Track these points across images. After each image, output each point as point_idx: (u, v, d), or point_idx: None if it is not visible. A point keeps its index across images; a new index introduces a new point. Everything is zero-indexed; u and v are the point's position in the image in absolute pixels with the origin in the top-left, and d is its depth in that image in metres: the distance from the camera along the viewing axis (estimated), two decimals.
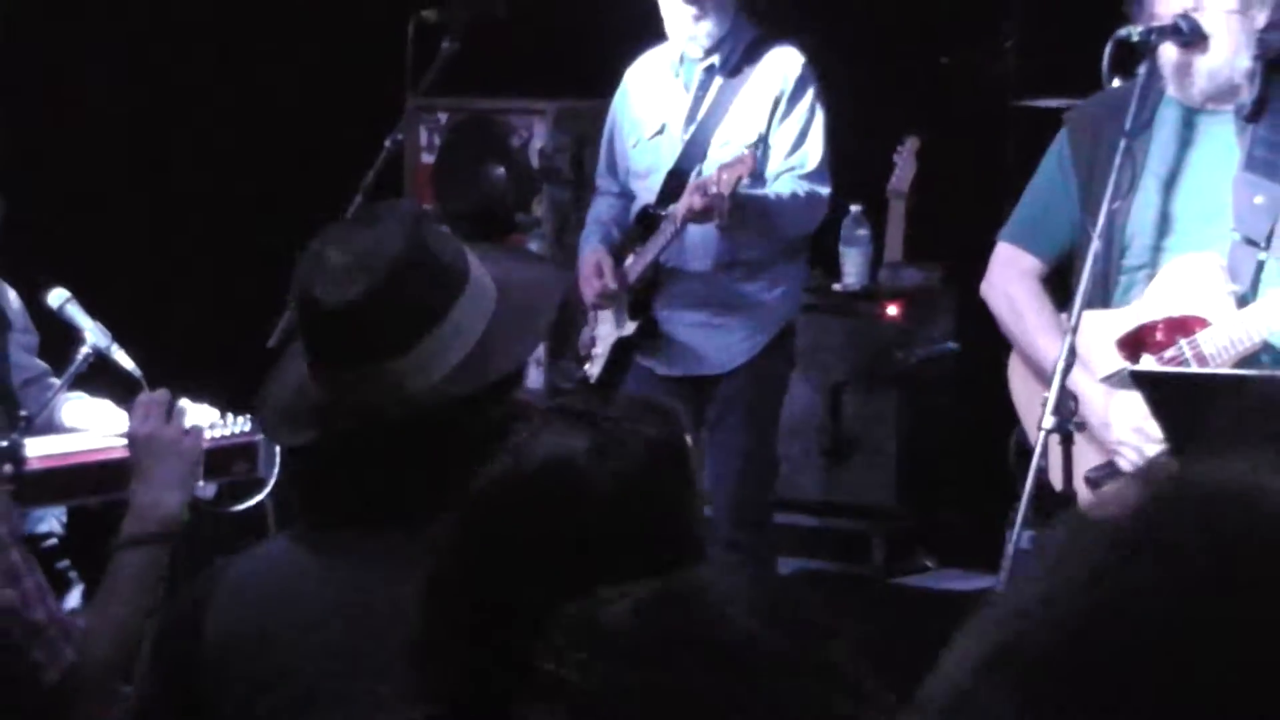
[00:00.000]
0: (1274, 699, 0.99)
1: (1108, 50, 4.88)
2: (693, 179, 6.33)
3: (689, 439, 2.62)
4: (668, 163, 6.48)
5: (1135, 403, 4.74)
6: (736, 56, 6.43)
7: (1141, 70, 4.91)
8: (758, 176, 6.24)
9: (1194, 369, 4.81)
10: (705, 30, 6.33)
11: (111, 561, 3.62)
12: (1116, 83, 5.05)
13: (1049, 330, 5.12)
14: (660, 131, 6.53)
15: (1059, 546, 1.08)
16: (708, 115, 6.43)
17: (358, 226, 3.07)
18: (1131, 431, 4.86)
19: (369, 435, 2.97)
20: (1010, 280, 5.26)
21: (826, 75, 6.68)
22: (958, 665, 1.07)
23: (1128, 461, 4.93)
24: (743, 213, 6.15)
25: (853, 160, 7.48)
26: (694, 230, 6.28)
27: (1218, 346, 4.85)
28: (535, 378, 7.18)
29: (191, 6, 7.96)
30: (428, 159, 8.24)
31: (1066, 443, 4.79)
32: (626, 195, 6.67)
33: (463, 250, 3.00)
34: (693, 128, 6.45)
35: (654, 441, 2.50)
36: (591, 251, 6.55)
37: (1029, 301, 5.20)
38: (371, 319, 2.84)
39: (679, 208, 6.21)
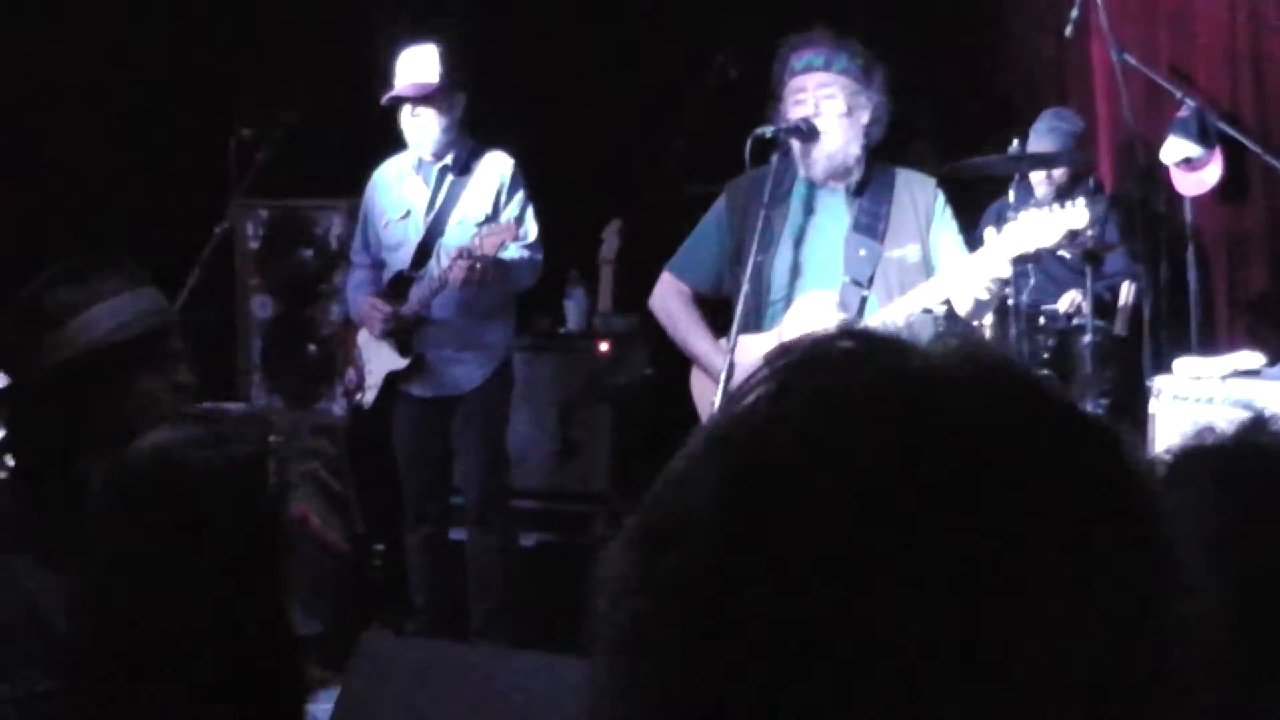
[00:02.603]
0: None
1: (748, 144, 5.01)
2: (439, 248, 6.35)
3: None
4: (415, 238, 6.43)
5: None
6: (463, 159, 6.41)
7: (774, 158, 5.07)
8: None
9: None
10: (436, 137, 6.34)
11: None
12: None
13: (695, 329, 5.30)
14: (406, 215, 6.47)
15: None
16: (444, 202, 6.41)
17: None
18: None
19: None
20: (669, 298, 5.43)
21: (547, 173, 6.71)
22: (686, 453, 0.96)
23: None
24: (495, 270, 6.16)
25: (572, 236, 7.65)
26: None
27: None
28: (339, 408, 7.13)
29: (60, 107, 7.66)
30: (253, 245, 8.21)
31: None
32: (377, 266, 6.57)
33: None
34: (433, 212, 6.42)
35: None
36: (366, 299, 6.48)
37: (681, 311, 5.37)
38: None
39: (446, 272, 6.15)
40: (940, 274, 5.03)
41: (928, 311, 4.98)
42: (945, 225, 5.22)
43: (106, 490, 2.35)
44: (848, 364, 0.95)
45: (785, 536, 0.89)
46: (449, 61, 6.35)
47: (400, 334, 6.43)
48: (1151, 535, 0.94)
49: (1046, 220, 4.94)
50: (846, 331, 0.98)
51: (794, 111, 5.12)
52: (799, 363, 0.96)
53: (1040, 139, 6.95)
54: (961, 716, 0.87)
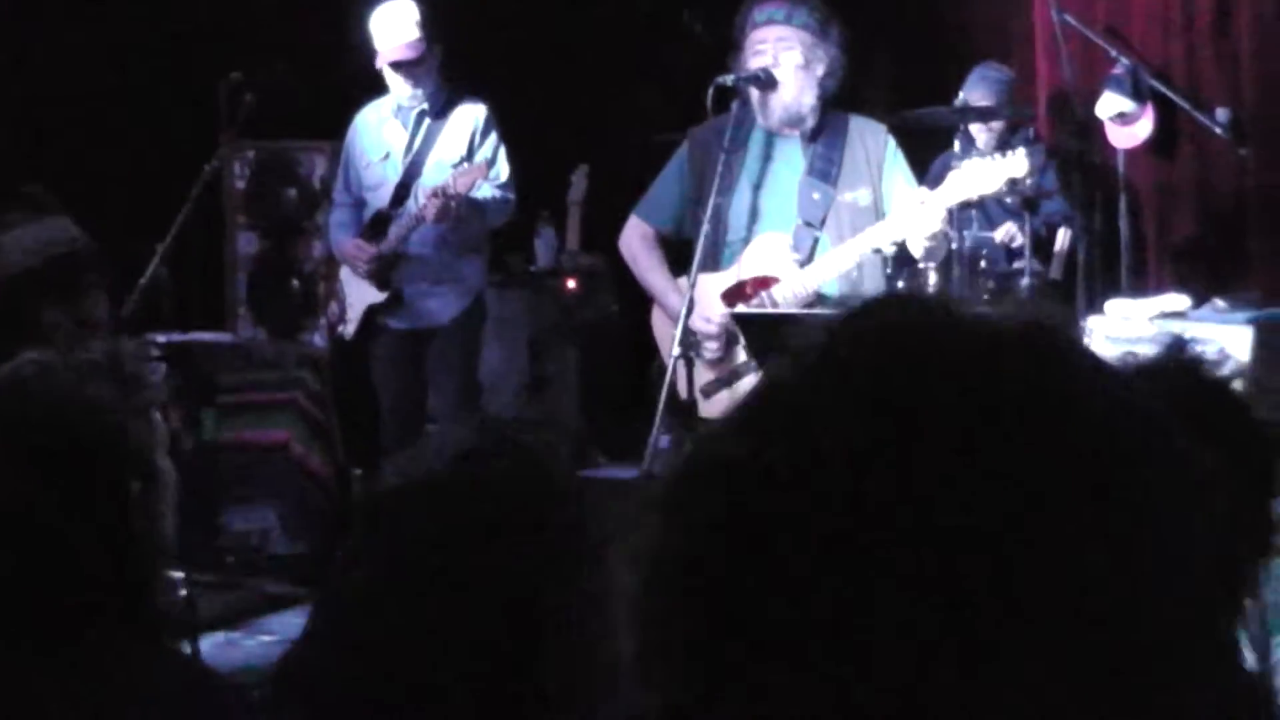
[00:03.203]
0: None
1: (710, 92, 5.01)
2: (417, 188, 6.33)
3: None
4: (394, 179, 6.41)
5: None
6: (439, 105, 6.39)
7: (734, 106, 5.07)
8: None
9: (770, 310, 4.98)
10: (416, 90, 6.32)
11: None
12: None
13: (656, 269, 5.32)
14: (386, 157, 6.44)
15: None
16: (422, 145, 6.39)
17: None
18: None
19: None
20: (634, 240, 5.42)
21: (519, 120, 6.68)
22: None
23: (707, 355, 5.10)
24: (468, 207, 6.17)
25: (543, 179, 7.65)
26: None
27: (785, 296, 5.01)
28: (321, 340, 7.12)
29: (62, 55, 7.63)
30: (240, 184, 8.19)
31: (689, 365, 4.95)
32: (359, 205, 6.54)
33: None
34: (411, 154, 6.40)
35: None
36: (350, 241, 6.45)
37: (645, 253, 5.37)
38: None
39: (421, 208, 6.15)
40: (891, 217, 5.03)
41: (877, 252, 5.00)
42: (898, 169, 5.23)
43: None
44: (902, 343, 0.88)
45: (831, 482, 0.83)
46: (424, 15, 6.31)
47: (381, 271, 6.42)
48: (1199, 498, 0.87)
49: (989, 168, 4.97)
50: (900, 300, 0.93)
51: (754, 62, 5.12)
52: (858, 334, 0.90)
53: (973, 91, 6.98)
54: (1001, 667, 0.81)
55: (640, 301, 5.56)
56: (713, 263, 5.12)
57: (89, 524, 2.06)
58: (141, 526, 2.15)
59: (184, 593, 5.71)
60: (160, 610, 2.20)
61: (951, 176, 5.01)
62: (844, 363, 0.87)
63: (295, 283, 7.99)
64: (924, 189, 5.06)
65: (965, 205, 5.18)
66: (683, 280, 5.12)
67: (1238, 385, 1.75)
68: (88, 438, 2.11)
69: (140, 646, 2.10)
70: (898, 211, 5.04)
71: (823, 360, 0.88)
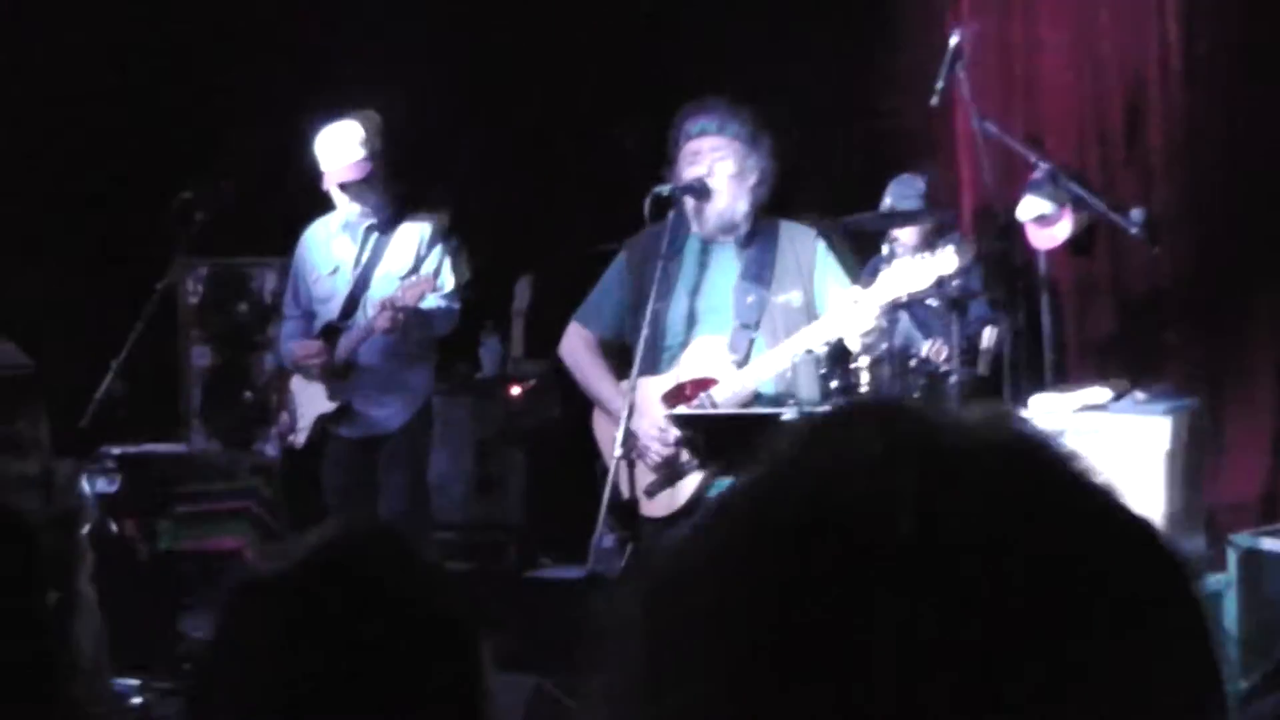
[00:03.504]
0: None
1: (647, 202, 5.09)
2: (366, 301, 6.34)
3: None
4: (344, 291, 6.43)
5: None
6: (386, 219, 6.41)
7: (670, 215, 5.14)
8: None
9: (710, 411, 5.02)
10: (363, 208, 6.35)
11: None
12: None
13: (598, 373, 5.34)
14: (335, 271, 6.47)
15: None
16: (370, 258, 6.42)
17: None
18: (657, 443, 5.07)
19: None
20: (575, 345, 5.45)
21: (464, 233, 6.73)
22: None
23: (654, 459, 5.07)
24: (416, 317, 6.18)
25: (489, 291, 7.71)
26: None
27: (724, 396, 5.04)
28: (273, 450, 7.08)
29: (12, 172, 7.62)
30: (193, 299, 8.21)
31: (630, 467, 5.01)
32: (309, 317, 6.53)
33: None
34: (360, 268, 6.43)
35: None
36: (299, 345, 6.45)
37: (587, 358, 5.39)
38: None
39: (372, 321, 6.17)
40: (826, 317, 5.07)
41: (810, 352, 5.04)
42: (829, 271, 5.27)
43: None
44: (871, 436, 0.84)
45: (797, 595, 0.79)
46: (370, 134, 6.35)
47: (333, 376, 6.42)
48: (1194, 625, 0.85)
49: (920, 265, 5.03)
50: (876, 407, 0.90)
51: (689, 172, 5.18)
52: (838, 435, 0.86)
53: (894, 198, 7.12)
54: None
55: (583, 406, 5.56)
56: (652, 366, 5.15)
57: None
58: (52, 640, 2.10)
59: (139, 700, 5.68)
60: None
61: (883, 274, 5.06)
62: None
63: (248, 394, 7.99)
64: (857, 288, 5.10)
65: (895, 307, 5.23)
66: (623, 384, 5.14)
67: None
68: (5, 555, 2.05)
69: None
70: (832, 311, 5.07)
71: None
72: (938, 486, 0.80)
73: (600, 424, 5.37)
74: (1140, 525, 0.86)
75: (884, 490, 0.80)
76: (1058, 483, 0.85)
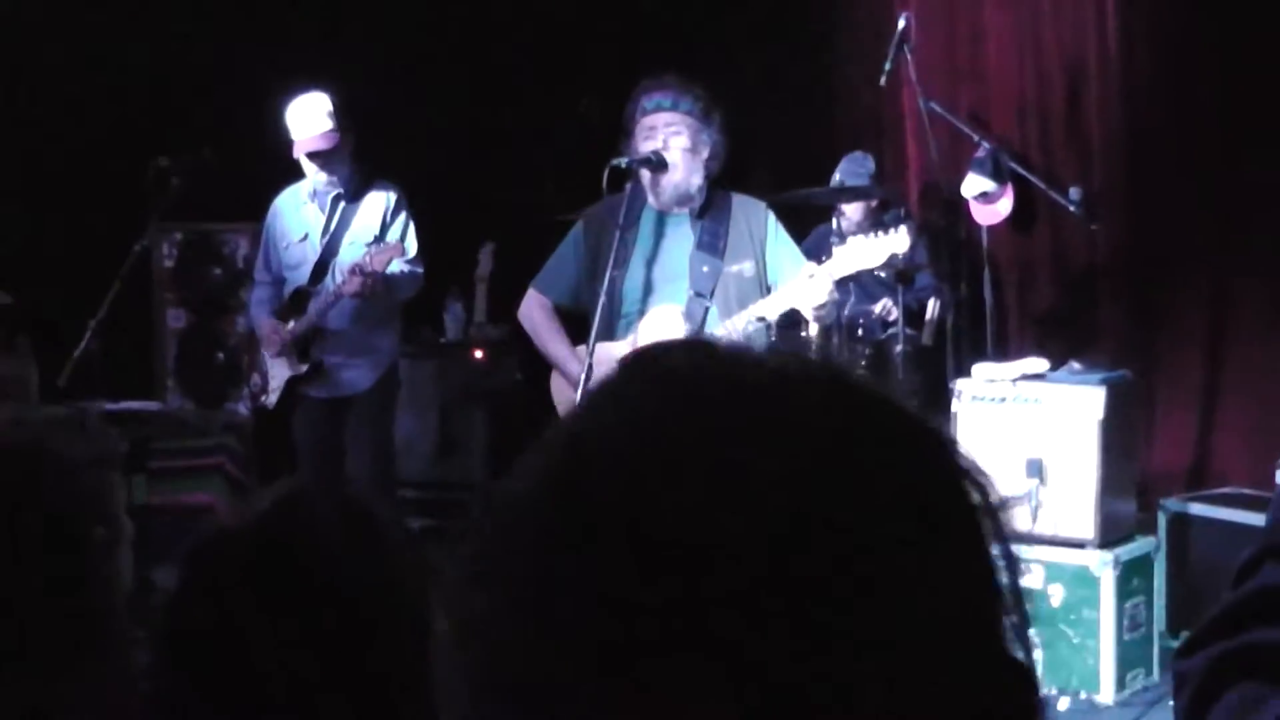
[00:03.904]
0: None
1: (606, 174, 5.07)
2: (335, 266, 6.37)
3: None
4: (312, 258, 6.45)
5: None
6: (353, 189, 6.44)
7: (628, 186, 5.15)
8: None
9: None
10: (330, 177, 6.37)
11: None
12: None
13: (555, 338, 5.34)
14: (305, 238, 6.48)
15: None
16: (338, 226, 6.44)
17: None
18: None
19: None
20: (533, 310, 5.46)
21: (429, 200, 6.72)
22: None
23: None
24: (383, 282, 6.20)
25: (451, 256, 7.70)
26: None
27: None
28: (245, 409, 7.09)
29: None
30: (168, 263, 8.20)
31: None
32: (278, 283, 6.57)
33: None
34: (328, 235, 6.45)
35: None
36: (267, 321, 6.50)
37: (543, 322, 5.40)
38: None
39: (341, 286, 6.20)
40: (782, 289, 5.10)
41: (762, 320, 5.08)
42: (780, 243, 5.29)
43: None
44: (686, 368, 0.86)
45: (614, 525, 0.80)
46: (338, 106, 6.35)
47: (297, 347, 6.45)
48: (981, 528, 0.86)
49: (875, 244, 5.05)
50: (691, 341, 0.90)
51: (644, 146, 5.18)
52: (642, 365, 0.88)
53: (844, 176, 7.19)
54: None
55: (543, 369, 5.57)
56: (609, 333, 5.14)
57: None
58: (109, 571, 2.13)
59: None
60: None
61: (839, 251, 5.07)
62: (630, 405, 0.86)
63: (220, 355, 7.99)
64: (813, 264, 5.11)
65: (844, 279, 5.27)
66: (580, 348, 5.15)
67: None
68: (59, 491, 2.08)
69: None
70: (788, 284, 5.09)
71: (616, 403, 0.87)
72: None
73: (558, 386, 5.39)
74: (924, 444, 0.86)
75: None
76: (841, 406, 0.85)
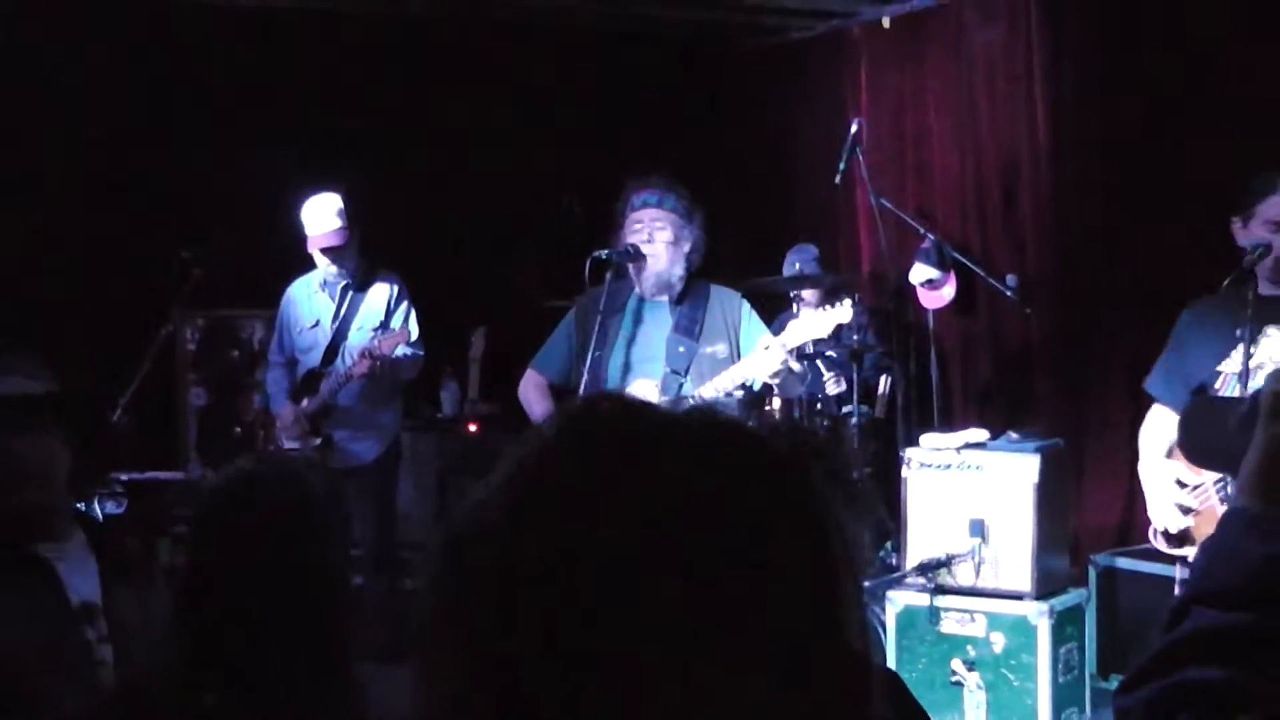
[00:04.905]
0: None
1: (588, 264, 5.15)
2: (344, 350, 6.43)
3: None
4: (324, 342, 6.51)
5: None
6: (359, 280, 6.51)
7: (608, 275, 5.21)
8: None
9: None
10: (340, 269, 6.44)
11: None
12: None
13: (547, 410, 5.40)
14: (316, 324, 6.54)
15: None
16: (346, 313, 6.51)
17: None
18: None
19: None
20: (529, 387, 5.47)
21: (426, 289, 6.75)
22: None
23: None
24: (390, 364, 6.24)
25: (447, 339, 7.75)
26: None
27: None
28: None
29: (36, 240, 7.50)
30: (190, 346, 8.20)
31: None
32: (290, 363, 6.60)
33: None
34: (338, 321, 6.51)
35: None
36: (288, 410, 6.50)
37: (537, 398, 5.41)
38: None
39: (351, 368, 6.26)
40: (740, 362, 5.16)
41: (729, 395, 5.14)
42: (753, 328, 5.33)
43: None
44: (607, 415, 0.95)
45: (549, 545, 0.88)
46: (348, 205, 6.44)
47: (309, 423, 6.49)
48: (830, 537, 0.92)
49: (822, 316, 5.14)
50: (611, 395, 0.98)
51: (631, 239, 5.25)
52: (574, 415, 0.96)
53: (794, 264, 7.29)
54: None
55: None
56: None
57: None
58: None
59: None
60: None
61: (791, 324, 5.16)
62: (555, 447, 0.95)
63: (238, 430, 8.02)
64: (769, 335, 5.18)
65: (802, 356, 5.32)
66: None
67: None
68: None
69: None
70: (747, 356, 5.16)
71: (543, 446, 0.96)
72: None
73: None
74: (754, 459, 0.93)
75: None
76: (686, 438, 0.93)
